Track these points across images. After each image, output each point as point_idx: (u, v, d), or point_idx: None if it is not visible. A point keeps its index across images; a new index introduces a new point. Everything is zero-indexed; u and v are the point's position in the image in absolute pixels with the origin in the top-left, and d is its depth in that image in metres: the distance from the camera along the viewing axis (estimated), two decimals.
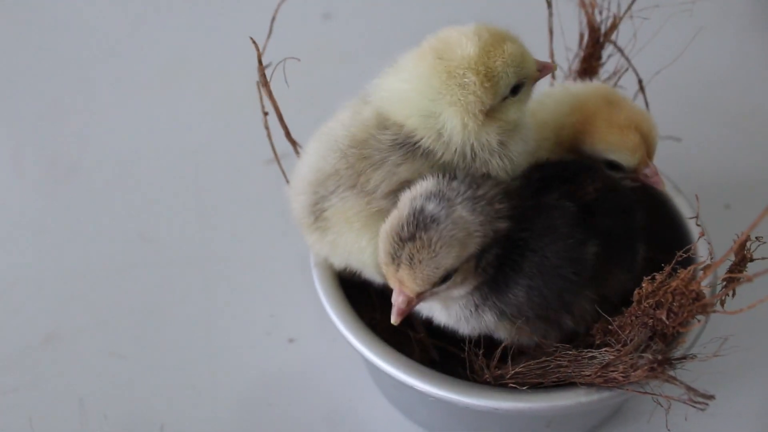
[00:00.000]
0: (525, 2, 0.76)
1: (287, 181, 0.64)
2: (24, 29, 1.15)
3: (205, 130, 1.00)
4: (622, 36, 0.70)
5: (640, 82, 0.73)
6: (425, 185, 0.53)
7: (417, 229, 0.50)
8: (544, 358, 0.56)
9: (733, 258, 0.53)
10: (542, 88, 0.65)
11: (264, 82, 0.63)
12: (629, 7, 0.67)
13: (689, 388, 0.51)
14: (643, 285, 0.54)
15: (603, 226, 0.57)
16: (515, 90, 0.55)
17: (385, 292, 0.65)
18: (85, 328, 0.78)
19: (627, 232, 0.60)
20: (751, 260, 0.53)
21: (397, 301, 0.52)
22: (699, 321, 0.54)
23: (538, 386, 0.56)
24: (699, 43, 0.77)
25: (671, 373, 0.53)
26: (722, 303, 0.54)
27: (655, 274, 0.54)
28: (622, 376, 0.53)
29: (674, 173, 0.71)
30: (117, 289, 0.81)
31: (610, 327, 0.56)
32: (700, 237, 0.59)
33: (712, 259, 0.58)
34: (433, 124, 0.55)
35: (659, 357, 0.52)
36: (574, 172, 0.60)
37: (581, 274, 0.56)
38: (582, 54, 0.70)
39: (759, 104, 1.00)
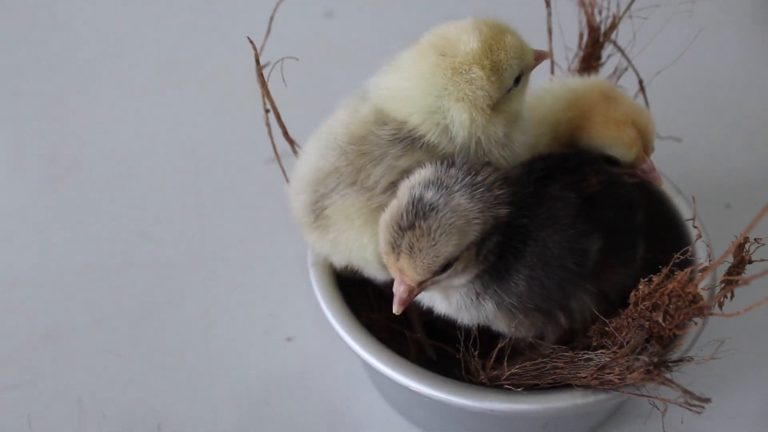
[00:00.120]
0: (525, 2, 0.75)
1: (287, 180, 0.64)
2: (24, 28, 1.15)
3: (205, 129, 1.00)
4: (622, 36, 0.70)
5: (640, 82, 0.72)
6: (423, 173, 0.52)
7: (416, 218, 0.50)
8: (540, 360, 0.56)
9: (731, 260, 0.52)
10: (540, 83, 0.65)
11: (262, 82, 0.63)
12: (628, 7, 0.67)
13: (685, 391, 0.51)
14: (640, 287, 0.54)
15: (605, 218, 0.57)
16: (516, 80, 0.56)
17: (382, 291, 0.65)
18: (84, 327, 0.78)
19: (628, 227, 0.60)
20: (750, 262, 0.53)
21: (399, 290, 0.52)
22: (696, 324, 0.54)
23: (534, 387, 0.56)
24: (699, 43, 0.77)
25: (667, 375, 0.53)
26: (720, 305, 0.53)
27: (652, 276, 0.54)
28: (618, 379, 0.53)
29: (674, 173, 0.71)
30: (116, 288, 0.81)
31: (607, 329, 0.56)
32: (697, 239, 0.58)
33: (710, 260, 0.57)
34: (438, 119, 0.55)
35: (655, 359, 0.52)
36: (577, 163, 0.59)
37: (582, 265, 0.56)
38: (581, 54, 0.70)
39: (760, 104, 0.99)
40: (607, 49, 0.70)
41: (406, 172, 0.54)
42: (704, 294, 0.53)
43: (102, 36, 1.14)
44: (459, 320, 0.58)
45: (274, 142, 0.66)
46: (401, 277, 0.52)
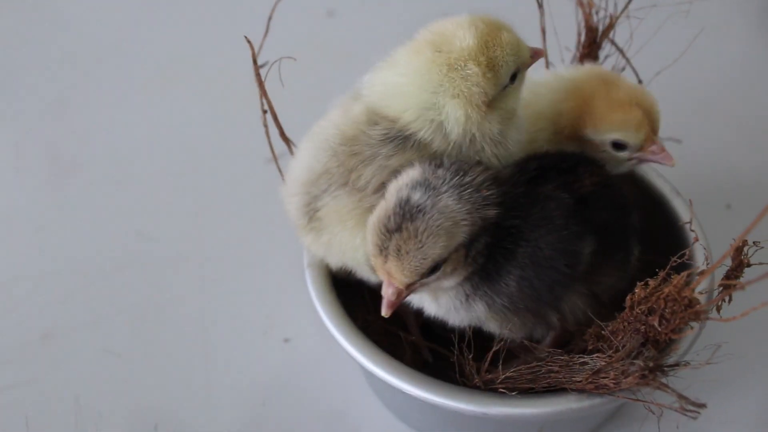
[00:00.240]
0: (525, 2, 0.75)
1: (284, 181, 0.64)
2: (25, 28, 1.15)
3: (205, 129, 1.00)
4: (619, 38, 0.69)
5: (639, 82, 0.72)
6: (411, 174, 0.52)
7: (403, 220, 0.50)
8: (535, 363, 0.56)
9: (730, 263, 0.52)
10: (534, 77, 0.63)
11: (259, 81, 0.63)
12: (626, 6, 0.66)
13: (680, 396, 0.51)
14: (636, 291, 0.53)
15: (598, 220, 0.57)
16: (512, 78, 0.55)
17: (378, 293, 0.65)
18: (82, 326, 0.78)
19: (622, 229, 0.60)
20: (749, 265, 0.52)
21: (387, 293, 0.52)
22: (692, 328, 0.53)
23: (529, 391, 0.56)
24: (699, 43, 0.76)
25: (663, 380, 0.52)
26: (719, 309, 0.53)
27: (648, 279, 0.53)
28: (613, 383, 0.53)
29: (675, 174, 0.70)
30: (114, 287, 0.81)
31: (603, 332, 0.55)
32: (694, 242, 0.58)
33: (707, 263, 0.57)
34: (433, 116, 0.54)
35: (651, 364, 0.52)
36: (573, 163, 0.59)
37: (574, 267, 0.55)
38: (579, 54, 0.69)
39: (760, 104, 0.99)
40: (605, 50, 0.69)
41: (398, 172, 0.54)
42: (701, 298, 0.52)
43: (102, 36, 1.14)
44: (449, 321, 0.58)
45: (272, 142, 0.66)
46: (389, 279, 0.51)
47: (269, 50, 0.62)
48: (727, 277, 0.52)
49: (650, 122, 0.60)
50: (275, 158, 0.67)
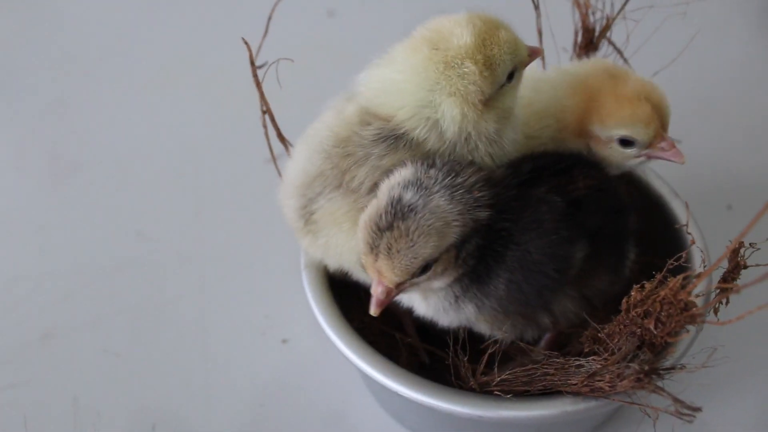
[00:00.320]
0: (524, 2, 0.74)
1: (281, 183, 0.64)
2: (25, 28, 1.15)
3: (204, 129, 1.00)
4: (616, 38, 0.69)
5: None
6: (403, 173, 0.52)
7: (395, 219, 0.50)
8: (530, 366, 0.55)
9: (726, 265, 0.51)
10: (533, 73, 0.62)
11: (256, 82, 0.63)
12: (623, 7, 0.66)
13: (676, 400, 0.50)
14: (632, 293, 0.53)
15: (591, 223, 0.56)
16: (509, 76, 0.55)
17: None
18: (81, 326, 0.78)
19: (616, 233, 0.59)
20: (745, 267, 0.52)
21: (376, 291, 0.52)
22: (688, 331, 0.53)
23: (524, 394, 0.56)
24: (698, 43, 0.76)
25: (659, 383, 0.52)
26: (716, 312, 0.53)
27: (644, 282, 0.53)
28: (609, 386, 0.53)
29: (675, 174, 0.70)
30: (113, 288, 0.82)
31: (599, 335, 0.55)
32: (691, 245, 0.57)
33: (704, 266, 0.56)
34: (429, 114, 0.54)
35: (646, 367, 0.51)
36: (568, 165, 0.58)
37: (563, 272, 0.55)
38: (576, 55, 0.69)
39: (760, 104, 0.98)
40: (602, 50, 0.69)
41: (390, 172, 0.54)
42: (698, 301, 0.52)
43: (102, 36, 1.14)
44: (439, 322, 0.57)
45: (271, 143, 0.66)
46: (379, 278, 0.51)
47: (269, 50, 0.62)
48: (723, 279, 0.52)
49: (659, 117, 0.58)
50: (274, 159, 0.67)
